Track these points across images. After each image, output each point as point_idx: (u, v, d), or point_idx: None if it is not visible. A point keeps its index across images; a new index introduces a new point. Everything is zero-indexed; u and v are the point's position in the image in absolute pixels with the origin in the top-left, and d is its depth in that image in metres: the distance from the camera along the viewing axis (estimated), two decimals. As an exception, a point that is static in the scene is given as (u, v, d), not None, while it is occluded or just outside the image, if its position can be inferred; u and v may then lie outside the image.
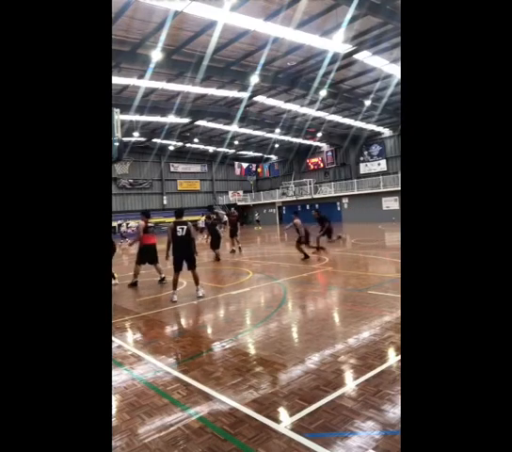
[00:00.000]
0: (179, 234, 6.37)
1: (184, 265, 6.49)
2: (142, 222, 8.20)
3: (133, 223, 32.43)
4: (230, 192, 40.03)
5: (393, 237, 15.86)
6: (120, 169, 30.25)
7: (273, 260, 10.94)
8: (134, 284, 8.00)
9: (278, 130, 26.79)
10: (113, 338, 4.53)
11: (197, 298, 6.39)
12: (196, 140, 30.16)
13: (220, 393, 3.00)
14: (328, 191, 31.55)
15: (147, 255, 8.10)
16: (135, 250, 10.08)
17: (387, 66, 17.26)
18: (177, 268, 6.41)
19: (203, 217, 18.78)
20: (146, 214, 8.36)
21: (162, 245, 7.24)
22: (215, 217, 13.36)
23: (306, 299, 6.02)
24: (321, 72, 16.44)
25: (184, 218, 6.72)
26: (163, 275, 8.22)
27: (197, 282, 6.55)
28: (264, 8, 11.97)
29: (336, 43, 14.04)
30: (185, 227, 6.40)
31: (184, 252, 6.42)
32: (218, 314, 5.63)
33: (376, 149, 31.69)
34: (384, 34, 13.73)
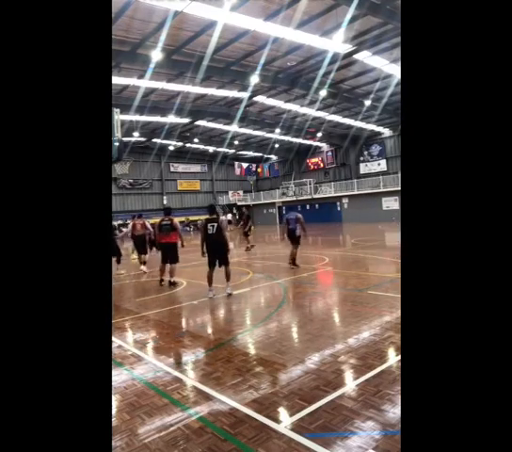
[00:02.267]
0: (210, 231, 6.36)
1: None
2: (158, 220, 8.20)
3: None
4: (230, 192, 40.03)
5: (393, 237, 15.86)
6: (119, 169, 30.26)
7: (273, 260, 10.93)
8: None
9: (278, 130, 26.79)
10: (113, 338, 4.53)
11: (227, 296, 6.46)
12: (196, 140, 30.16)
13: (220, 393, 3.00)
14: (328, 191, 31.54)
15: (164, 254, 7.93)
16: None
17: (387, 66, 17.27)
18: (210, 265, 6.48)
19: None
20: (165, 211, 8.24)
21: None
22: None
23: (306, 299, 6.02)
24: (321, 72, 16.44)
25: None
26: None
27: (228, 279, 6.57)
28: (263, 8, 11.97)
29: (336, 43, 14.04)
30: (216, 224, 6.36)
31: (215, 250, 6.42)
32: (218, 314, 5.63)
33: (375, 149, 31.68)
34: (384, 34, 13.73)
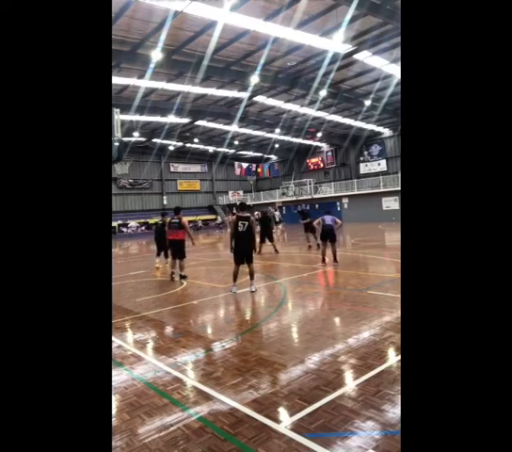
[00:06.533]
0: (240, 229, 6.55)
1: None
2: (168, 218, 8.68)
3: (133, 223, 32.49)
4: (230, 192, 40.02)
5: (393, 237, 15.86)
6: (120, 169, 30.24)
7: (273, 260, 10.93)
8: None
9: (278, 130, 26.78)
10: (113, 338, 4.53)
11: (250, 292, 6.67)
12: (196, 140, 30.15)
13: (220, 393, 3.00)
14: (328, 191, 31.54)
15: (171, 250, 8.44)
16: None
17: (387, 66, 17.26)
18: (237, 262, 6.71)
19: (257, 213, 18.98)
20: (175, 210, 8.61)
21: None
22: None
23: (306, 299, 6.02)
24: (321, 72, 16.44)
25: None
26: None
27: (252, 277, 6.83)
28: (263, 8, 11.97)
29: (336, 43, 14.03)
30: (247, 223, 6.56)
31: (244, 247, 6.64)
32: (218, 314, 5.63)
33: (375, 149, 31.67)
34: (384, 34, 13.73)
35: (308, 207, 15.67)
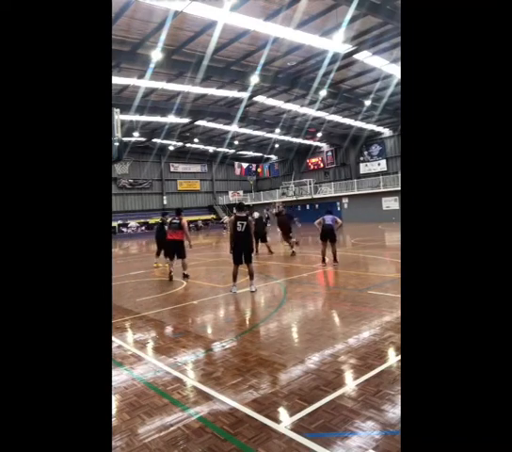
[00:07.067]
0: (239, 229, 6.59)
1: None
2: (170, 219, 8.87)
3: (133, 223, 32.50)
4: (230, 192, 40.03)
5: (393, 237, 15.86)
6: (120, 169, 30.23)
7: (273, 260, 10.94)
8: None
9: (278, 130, 26.79)
10: (113, 338, 4.53)
11: (250, 292, 6.69)
12: (196, 140, 30.16)
13: (220, 393, 2.99)
14: (328, 191, 31.53)
15: (169, 250, 8.63)
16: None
17: (387, 66, 17.26)
18: (236, 262, 6.72)
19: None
20: (176, 211, 8.71)
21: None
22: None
23: (306, 299, 6.02)
24: (321, 72, 16.44)
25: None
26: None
27: (251, 277, 6.84)
28: (263, 8, 11.97)
29: (336, 43, 14.03)
30: (245, 223, 6.59)
31: (242, 247, 6.66)
32: (218, 314, 5.63)
33: (375, 149, 31.68)
34: (384, 34, 13.73)
35: (285, 208, 14.66)
